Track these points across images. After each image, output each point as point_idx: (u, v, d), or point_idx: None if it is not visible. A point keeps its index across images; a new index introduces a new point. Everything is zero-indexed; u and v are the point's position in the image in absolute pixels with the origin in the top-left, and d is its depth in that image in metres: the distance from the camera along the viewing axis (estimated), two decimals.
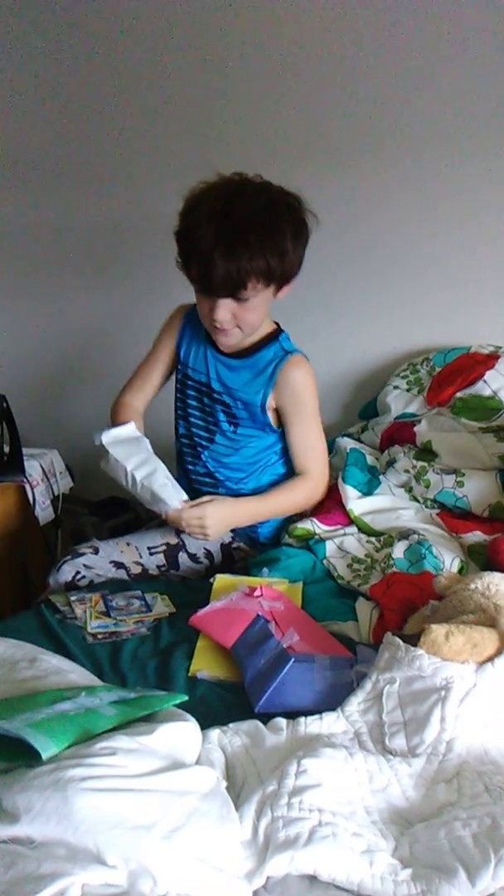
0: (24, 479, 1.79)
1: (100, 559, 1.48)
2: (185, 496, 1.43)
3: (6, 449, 1.81)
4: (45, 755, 0.74)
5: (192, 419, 1.60)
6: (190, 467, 1.64)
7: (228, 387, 1.54)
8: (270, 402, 1.52)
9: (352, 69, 1.81)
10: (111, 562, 1.48)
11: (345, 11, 1.77)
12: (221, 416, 1.56)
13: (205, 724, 0.93)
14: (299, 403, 1.52)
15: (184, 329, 1.60)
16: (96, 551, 1.49)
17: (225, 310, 1.39)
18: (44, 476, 1.89)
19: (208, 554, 1.56)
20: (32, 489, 1.81)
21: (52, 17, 2.05)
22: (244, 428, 1.55)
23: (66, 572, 1.45)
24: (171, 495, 1.41)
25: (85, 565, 1.46)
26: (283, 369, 1.50)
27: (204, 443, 1.60)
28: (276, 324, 1.57)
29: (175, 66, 1.97)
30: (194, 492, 1.58)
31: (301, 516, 1.62)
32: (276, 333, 1.55)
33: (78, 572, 1.45)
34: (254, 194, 1.36)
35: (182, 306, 1.62)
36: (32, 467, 1.85)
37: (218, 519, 1.42)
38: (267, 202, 1.36)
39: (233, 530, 1.59)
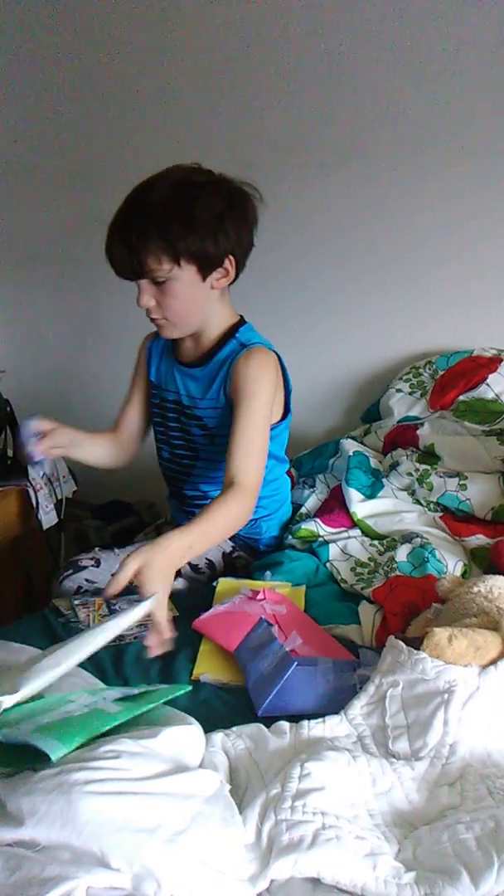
0: (27, 483, 1.80)
1: (101, 572, 1.47)
2: (142, 606, 1.05)
3: (9, 453, 1.82)
4: (54, 757, 0.74)
5: (174, 441, 1.54)
6: (179, 491, 1.60)
7: (195, 398, 1.47)
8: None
9: (349, 71, 1.81)
10: (113, 574, 1.48)
11: (342, 14, 1.78)
12: (197, 431, 1.48)
13: (208, 728, 0.93)
14: (243, 395, 1.34)
15: (150, 355, 1.56)
16: (98, 563, 1.48)
17: (146, 295, 1.31)
18: (47, 480, 1.90)
19: (209, 564, 1.55)
20: (35, 493, 1.82)
21: (53, 20, 2.06)
22: (222, 437, 1.41)
23: (68, 588, 1.44)
24: (127, 619, 1.05)
25: (87, 579, 1.46)
26: (236, 363, 1.38)
27: (188, 462, 1.53)
28: (241, 316, 1.47)
29: (174, 69, 1.98)
30: (187, 514, 1.58)
31: (302, 517, 1.62)
32: (234, 328, 1.43)
33: (80, 587, 1.45)
34: (170, 177, 1.28)
35: (148, 335, 1.58)
36: (35, 471, 1.85)
37: (152, 572, 1.08)
38: (177, 180, 1.28)
39: (233, 540, 1.57)
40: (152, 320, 1.38)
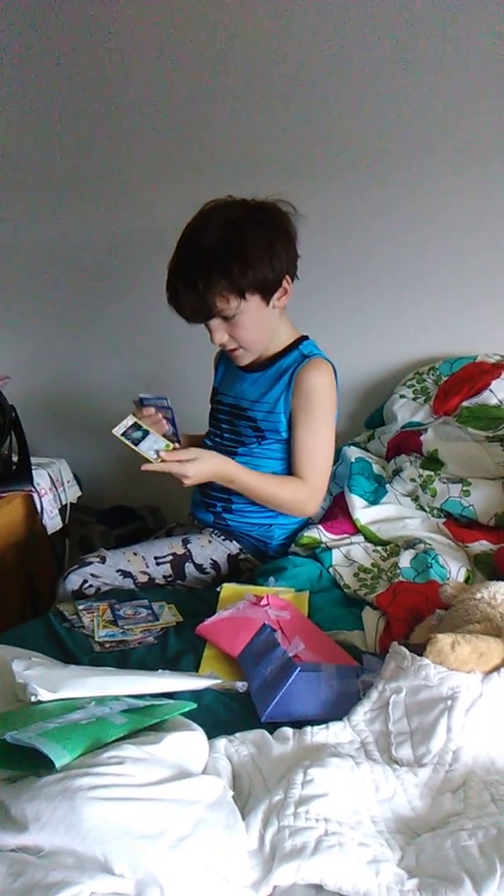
0: (33, 489, 1.80)
1: (106, 568, 1.49)
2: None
3: (15, 458, 1.82)
4: (58, 764, 0.75)
5: (225, 434, 1.62)
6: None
7: (251, 400, 1.56)
8: (291, 407, 1.52)
9: (352, 78, 1.82)
10: (118, 570, 1.49)
11: (345, 21, 1.79)
12: (249, 432, 1.56)
13: (211, 734, 0.93)
14: (308, 405, 1.49)
15: (219, 362, 1.68)
16: (103, 560, 1.50)
17: (219, 332, 1.45)
18: (52, 485, 1.91)
19: (214, 564, 1.56)
20: (40, 498, 1.82)
21: (55, 33, 2.07)
22: (269, 441, 1.55)
23: (73, 581, 1.46)
24: (188, 682, 1.08)
25: (92, 574, 1.47)
26: (300, 372, 1.50)
27: (231, 449, 1.58)
28: (304, 335, 1.58)
29: (177, 79, 1.99)
30: (207, 497, 1.62)
31: (307, 524, 1.62)
32: (297, 342, 1.56)
33: (85, 581, 1.46)
34: (216, 219, 1.37)
35: None
36: (41, 476, 1.86)
37: (199, 474, 1.41)
38: (226, 221, 1.36)
39: (241, 542, 1.60)
40: (229, 352, 1.51)
